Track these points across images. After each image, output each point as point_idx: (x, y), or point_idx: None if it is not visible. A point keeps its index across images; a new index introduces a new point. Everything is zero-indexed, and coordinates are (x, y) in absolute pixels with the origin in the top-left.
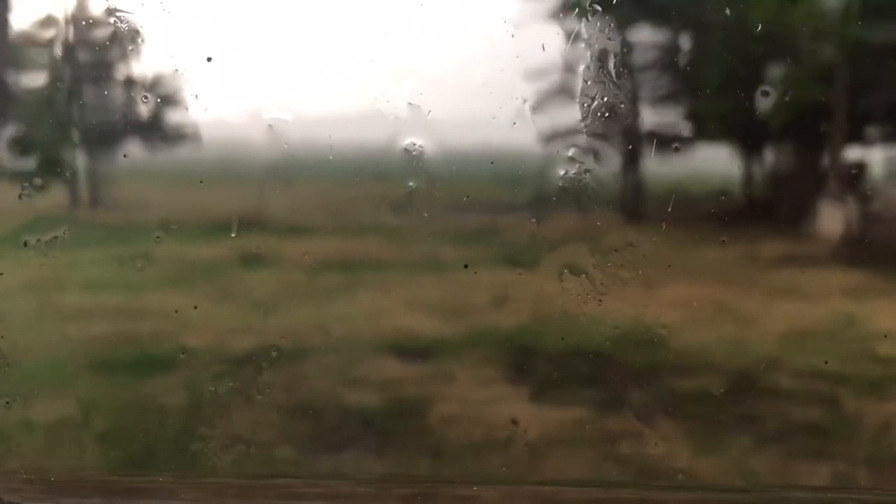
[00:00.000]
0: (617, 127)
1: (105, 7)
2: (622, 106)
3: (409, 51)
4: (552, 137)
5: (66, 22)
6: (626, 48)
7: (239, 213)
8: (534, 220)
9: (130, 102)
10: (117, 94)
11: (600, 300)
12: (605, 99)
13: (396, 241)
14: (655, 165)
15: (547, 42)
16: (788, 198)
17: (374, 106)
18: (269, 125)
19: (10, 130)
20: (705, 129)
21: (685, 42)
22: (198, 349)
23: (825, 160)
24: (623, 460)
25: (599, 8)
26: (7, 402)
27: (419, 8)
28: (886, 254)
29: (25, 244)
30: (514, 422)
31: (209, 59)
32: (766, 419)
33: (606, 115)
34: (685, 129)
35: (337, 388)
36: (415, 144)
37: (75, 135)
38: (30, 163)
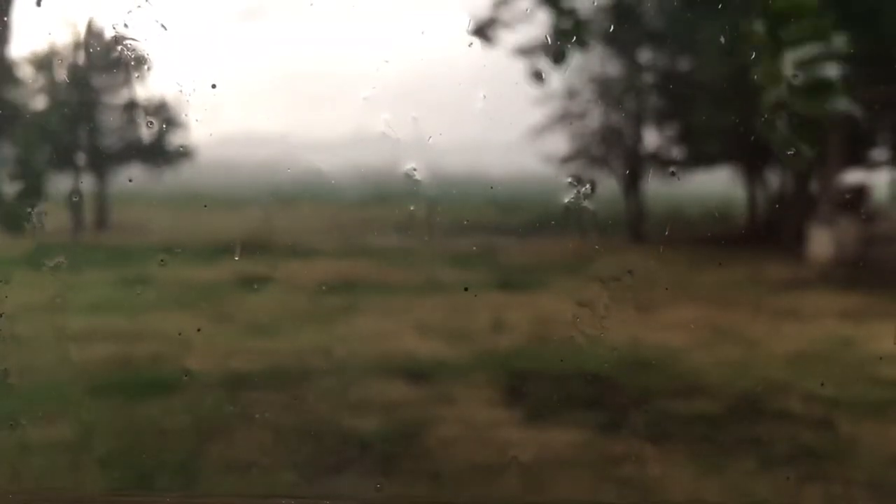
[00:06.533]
0: (615, 152)
1: (112, 35)
2: (620, 132)
3: (409, 77)
4: (552, 163)
5: (74, 49)
6: (625, 75)
7: (242, 237)
8: (533, 243)
9: (135, 128)
10: (122, 120)
11: (598, 323)
12: (603, 125)
13: (397, 264)
14: (653, 190)
15: (546, 69)
16: (785, 221)
17: (375, 131)
18: (273, 150)
19: (16, 154)
20: (702, 153)
21: (681, 67)
22: (200, 371)
23: (818, 184)
24: (622, 482)
25: (596, 37)
26: (11, 424)
27: (420, 36)
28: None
29: (32, 267)
30: (512, 442)
31: (214, 86)
32: (764, 441)
33: (604, 140)
34: (682, 154)
35: (337, 410)
36: (415, 169)
37: (80, 160)
38: (34, 187)
